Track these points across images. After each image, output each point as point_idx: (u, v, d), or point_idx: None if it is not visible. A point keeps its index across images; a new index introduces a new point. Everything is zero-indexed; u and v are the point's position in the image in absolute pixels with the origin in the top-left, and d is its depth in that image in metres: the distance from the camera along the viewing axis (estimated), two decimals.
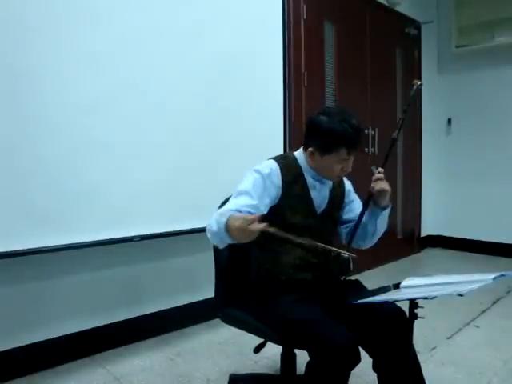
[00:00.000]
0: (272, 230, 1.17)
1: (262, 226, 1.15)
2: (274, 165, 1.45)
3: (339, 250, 1.35)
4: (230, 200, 1.41)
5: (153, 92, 2.20)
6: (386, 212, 1.51)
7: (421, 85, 1.50)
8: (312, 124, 1.45)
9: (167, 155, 2.27)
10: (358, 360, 1.25)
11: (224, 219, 1.23)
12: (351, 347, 1.23)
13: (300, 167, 1.48)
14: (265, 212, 1.39)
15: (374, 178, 1.45)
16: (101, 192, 2.03)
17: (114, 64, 2.06)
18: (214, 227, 1.28)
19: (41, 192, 1.86)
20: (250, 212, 1.30)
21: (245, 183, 1.41)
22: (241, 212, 1.29)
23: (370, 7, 3.76)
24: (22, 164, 1.81)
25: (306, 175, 1.48)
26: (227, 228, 1.22)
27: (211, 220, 1.31)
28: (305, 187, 1.48)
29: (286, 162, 1.48)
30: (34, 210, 1.84)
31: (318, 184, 1.50)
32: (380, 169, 1.46)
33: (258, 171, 1.43)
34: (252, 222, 1.15)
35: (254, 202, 1.35)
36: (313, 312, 1.35)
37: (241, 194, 1.39)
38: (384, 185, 1.44)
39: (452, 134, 4.53)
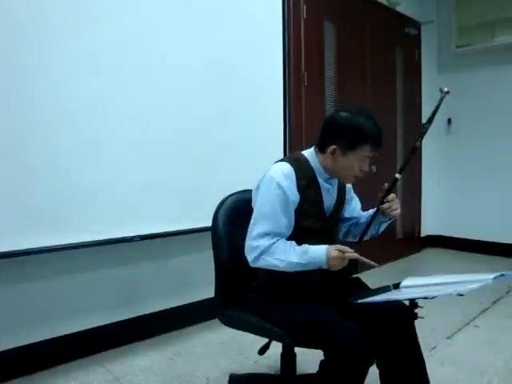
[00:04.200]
0: (356, 256, 1.33)
1: (352, 254, 1.32)
2: (289, 169, 1.41)
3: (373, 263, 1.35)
4: (254, 221, 1.40)
5: (152, 92, 2.20)
6: (390, 221, 1.55)
7: (447, 92, 1.46)
8: (334, 121, 1.42)
9: (167, 155, 2.27)
10: (373, 359, 1.27)
11: (322, 252, 1.33)
12: (367, 346, 1.24)
13: (313, 169, 1.45)
14: (290, 232, 1.42)
15: (389, 201, 1.45)
16: (101, 192, 2.03)
17: (114, 64, 2.06)
18: (302, 262, 1.34)
19: (40, 192, 1.86)
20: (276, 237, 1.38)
21: (267, 203, 1.39)
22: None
23: (370, 7, 3.76)
24: (21, 164, 1.81)
25: (318, 178, 1.46)
26: (328, 259, 1.32)
27: (279, 261, 1.35)
28: (318, 191, 1.45)
29: (299, 165, 1.44)
30: (33, 210, 1.84)
31: (330, 187, 1.49)
32: (393, 195, 1.47)
33: (278, 185, 1.37)
34: (347, 251, 1.32)
35: (278, 227, 1.38)
36: (326, 312, 1.35)
37: (264, 216, 1.39)
38: (399, 211, 1.48)
39: (452, 134, 4.53)
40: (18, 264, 1.89)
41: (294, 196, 1.39)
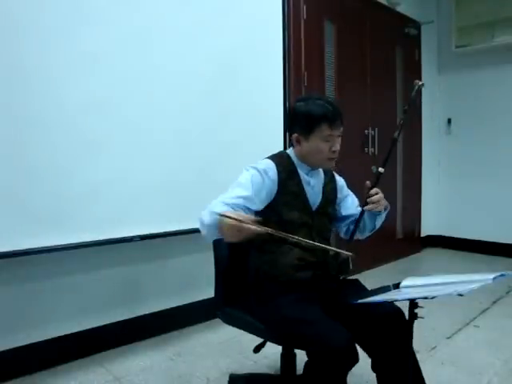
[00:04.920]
0: (265, 229, 1.13)
1: (254, 227, 1.13)
2: (270, 162, 1.48)
3: (335, 249, 1.35)
4: (226, 190, 1.43)
5: (152, 92, 2.20)
6: (385, 213, 1.57)
7: (422, 85, 1.51)
8: (291, 112, 1.54)
9: (167, 155, 2.27)
10: (355, 360, 1.24)
11: (216, 215, 1.20)
12: (349, 347, 1.23)
13: (294, 163, 1.51)
14: (261, 207, 1.43)
15: (371, 199, 1.46)
16: (101, 192, 2.03)
17: (113, 64, 2.06)
18: (207, 219, 1.29)
19: (40, 192, 1.86)
20: (243, 204, 1.34)
21: (242, 177, 1.44)
22: (234, 205, 1.31)
23: (370, 7, 3.76)
24: (21, 164, 1.81)
25: (299, 171, 1.51)
26: (219, 224, 1.20)
27: (205, 211, 1.33)
28: (300, 183, 1.50)
29: (280, 160, 1.50)
30: (33, 210, 1.84)
31: (312, 180, 1.52)
32: (374, 190, 1.47)
33: (254, 167, 1.46)
34: (246, 221, 1.14)
35: (248, 193, 1.38)
36: (311, 312, 1.35)
37: (237, 186, 1.42)
38: (381, 206, 1.49)
39: (452, 134, 4.53)
40: (17, 264, 1.89)
41: (270, 180, 1.44)
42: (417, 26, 4.30)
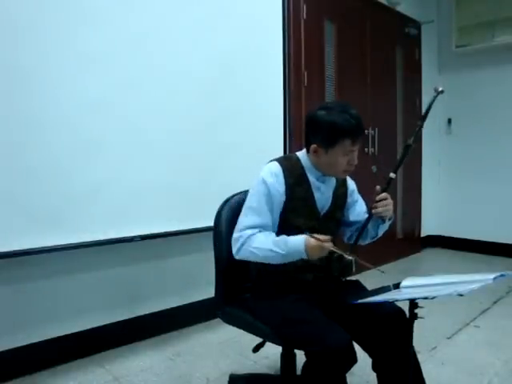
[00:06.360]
0: (335, 248, 1.30)
1: (331, 245, 1.29)
2: (277, 168, 1.43)
3: (368, 264, 1.32)
4: (241, 216, 1.45)
5: (153, 92, 2.20)
6: (388, 223, 1.52)
7: (442, 91, 1.45)
8: (312, 120, 1.43)
9: (167, 155, 2.27)
10: (353, 361, 1.24)
11: (301, 241, 1.32)
12: (346, 348, 1.23)
13: (303, 168, 1.46)
14: (276, 223, 1.44)
15: (378, 198, 1.41)
16: (101, 192, 2.03)
17: (114, 64, 2.06)
18: (280, 252, 1.34)
19: (40, 192, 1.86)
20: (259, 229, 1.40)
21: (253, 199, 1.43)
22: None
23: (370, 7, 3.76)
24: (21, 164, 1.81)
25: (309, 176, 1.46)
26: (306, 248, 1.31)
27: (257, 250, 1.37)
28: (309, 189, 1.46)
29: (288, 163, 1.46)
30: (33, 210, 1.84)
31: (322, 185, 1.48)
32: (384, 194, 1.43)
33: (264, 182, 1.42)
34: (326, 240, 1.29)
35: (262, 221, 1.41)
36: (310, 312, 1.34)
37: (250, 210, 1.43)
38: (390, 211, 1.44)
39: (452, 134, 4.53)
40: (17, 264, 1.89)
41: (279, 194, 1.41)
42: (417, 25, 4.30)
